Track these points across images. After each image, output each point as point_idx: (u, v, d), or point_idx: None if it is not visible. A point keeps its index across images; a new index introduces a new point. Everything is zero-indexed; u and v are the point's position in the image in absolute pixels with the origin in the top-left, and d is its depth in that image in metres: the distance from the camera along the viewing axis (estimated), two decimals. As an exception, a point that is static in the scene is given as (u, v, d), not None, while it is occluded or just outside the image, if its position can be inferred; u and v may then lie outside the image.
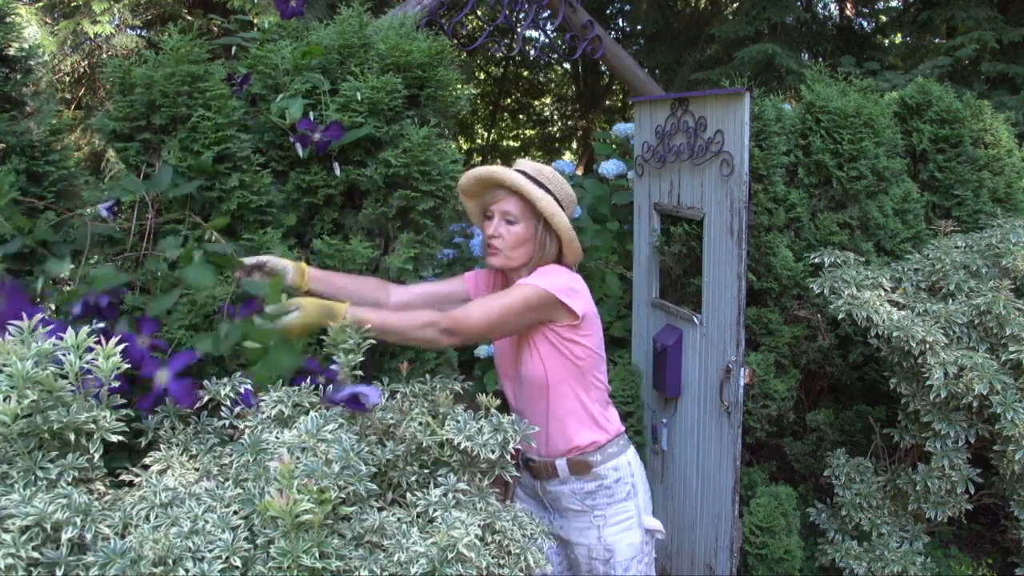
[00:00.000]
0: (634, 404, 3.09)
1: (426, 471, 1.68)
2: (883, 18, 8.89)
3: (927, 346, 2.51)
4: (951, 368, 2.46)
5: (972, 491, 2.61)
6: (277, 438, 1.55)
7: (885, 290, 2.80)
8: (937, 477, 2.62)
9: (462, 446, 1.61)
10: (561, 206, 1.94)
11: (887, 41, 8.70)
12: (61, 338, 1.52)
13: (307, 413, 1.63)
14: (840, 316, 2.70)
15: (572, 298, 1.87)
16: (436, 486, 1.60)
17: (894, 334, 2.54)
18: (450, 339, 1.78)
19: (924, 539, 2.78)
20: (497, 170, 1.93)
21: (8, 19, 2.07)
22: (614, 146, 4.57)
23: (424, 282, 2.19)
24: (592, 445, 1.98)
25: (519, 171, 1.95)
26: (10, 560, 1.23)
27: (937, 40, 7.77)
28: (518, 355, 2.00)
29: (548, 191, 1.92)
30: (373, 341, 1.78)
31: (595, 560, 2.02)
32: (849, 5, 8.75)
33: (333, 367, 1.74)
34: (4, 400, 1.38)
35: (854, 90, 3.50)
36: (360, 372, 1.72)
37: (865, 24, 8.93)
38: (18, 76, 2.12)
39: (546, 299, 1.85)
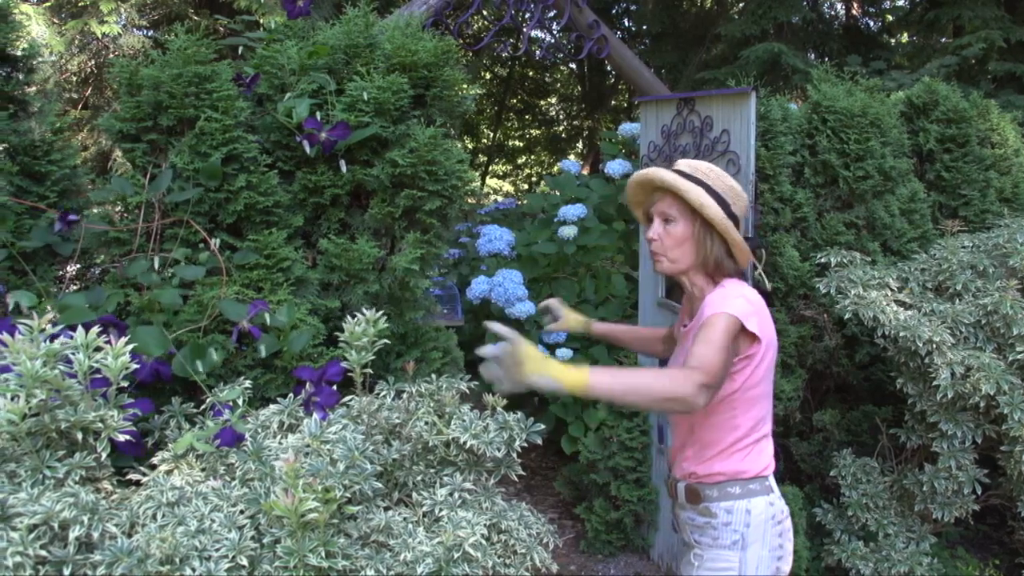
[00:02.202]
0: (640, 404, 3.09)
1: (432, 470, 1.68)
2: (889, 17, 8.89)
3: (934, 346, 2.50)
4: (958, 368, 2.46)
5: (979, 492, 2.60)
6: (280, 443, 1.55)
7: (892, 290, 2.79)
8: (944, 477, 2.61)
9: (468, 445, 1.61)
10: (723, 200, 1.81)
11: (893, 40, 8.69)
12: (71, 337, 1.53)
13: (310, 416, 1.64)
14: (846, 316, 2.70)
15: (750, 321, 1.72)
16: (442, 485, 1.60)
17: (901, 334, 2.54)
18: (706, 397, 1.55)
19: (931, 540, 2.77)
20: (652, 171, 1.86)
21: (10, 18, 2.07)
22: (620, 146, 4.57)
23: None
24: (712, 476, 1.80)
25: (675, 170, 1.86)
26: (18, 558, 1.23)
27: (944, 39, 7.75)
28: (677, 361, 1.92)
29: (703, 185, 1.81)
30: (387, 341, 1.79)
31: None
32: (855, 4, 8.74)
33: (343, 364, 1.75)
34: (12, 399, 1.39)
35: (860, 90, 3.49)
36: (369, 370, 1.72)
37: (871, 23, 8.93)
38: (20, 75, 2.12)
39: (735, 326, 1.69)
